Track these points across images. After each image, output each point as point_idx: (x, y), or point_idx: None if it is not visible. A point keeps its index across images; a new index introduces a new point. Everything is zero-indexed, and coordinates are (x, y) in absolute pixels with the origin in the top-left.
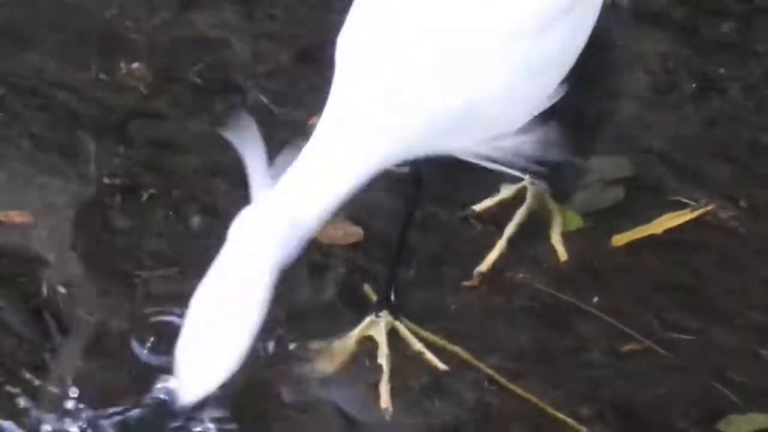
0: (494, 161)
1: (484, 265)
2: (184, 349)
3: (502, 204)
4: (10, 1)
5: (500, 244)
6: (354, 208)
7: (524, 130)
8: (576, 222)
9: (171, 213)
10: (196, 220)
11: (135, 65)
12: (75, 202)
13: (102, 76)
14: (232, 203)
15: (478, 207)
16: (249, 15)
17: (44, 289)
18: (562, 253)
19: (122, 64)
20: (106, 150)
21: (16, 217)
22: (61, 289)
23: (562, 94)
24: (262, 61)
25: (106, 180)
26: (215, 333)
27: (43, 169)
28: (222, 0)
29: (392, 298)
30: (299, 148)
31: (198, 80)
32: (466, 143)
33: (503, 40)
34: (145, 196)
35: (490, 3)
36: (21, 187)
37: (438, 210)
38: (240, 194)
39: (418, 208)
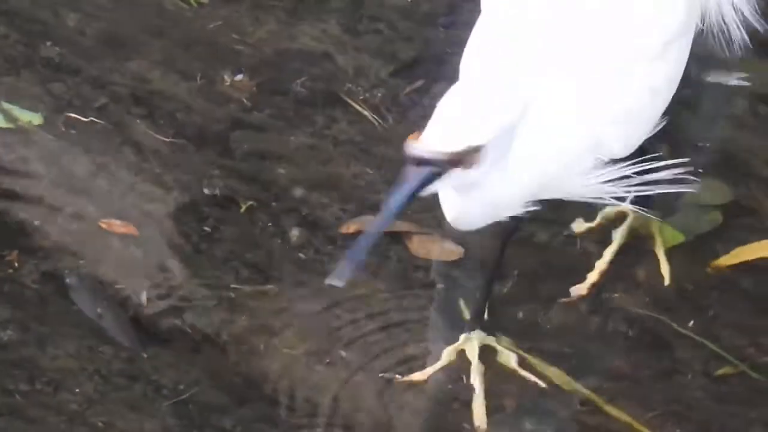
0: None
1: (584, 286)
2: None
3: (601, 224)
4: (113, 9)
5: (599, 265)
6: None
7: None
8: (676, 237)
9: (270, 225)
10: (294, 233)
11: (238, 77)
12: (175, 211)
13: (205, 86)
14: (331, 217)
15: (577, 227)
16: (352, 29)
17: (143, 299)
18: (667, 277)
19: (225, 76)
20: (207, 160)
21: (119, 227)
22: (160, 300)
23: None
24: (365, 75)
25: (206, 190)
26: (467, 113)
27: (144, 178)
28: (326, 13)
29: (485, 315)
30: None
31: (300, 92)
32: (584, 170)
33: (628, 63)
34: (243, 208)
35: (615, 27)
36: (122, 195)
37: (537, 229)
38: (339, 208)
39: (517, 231)
